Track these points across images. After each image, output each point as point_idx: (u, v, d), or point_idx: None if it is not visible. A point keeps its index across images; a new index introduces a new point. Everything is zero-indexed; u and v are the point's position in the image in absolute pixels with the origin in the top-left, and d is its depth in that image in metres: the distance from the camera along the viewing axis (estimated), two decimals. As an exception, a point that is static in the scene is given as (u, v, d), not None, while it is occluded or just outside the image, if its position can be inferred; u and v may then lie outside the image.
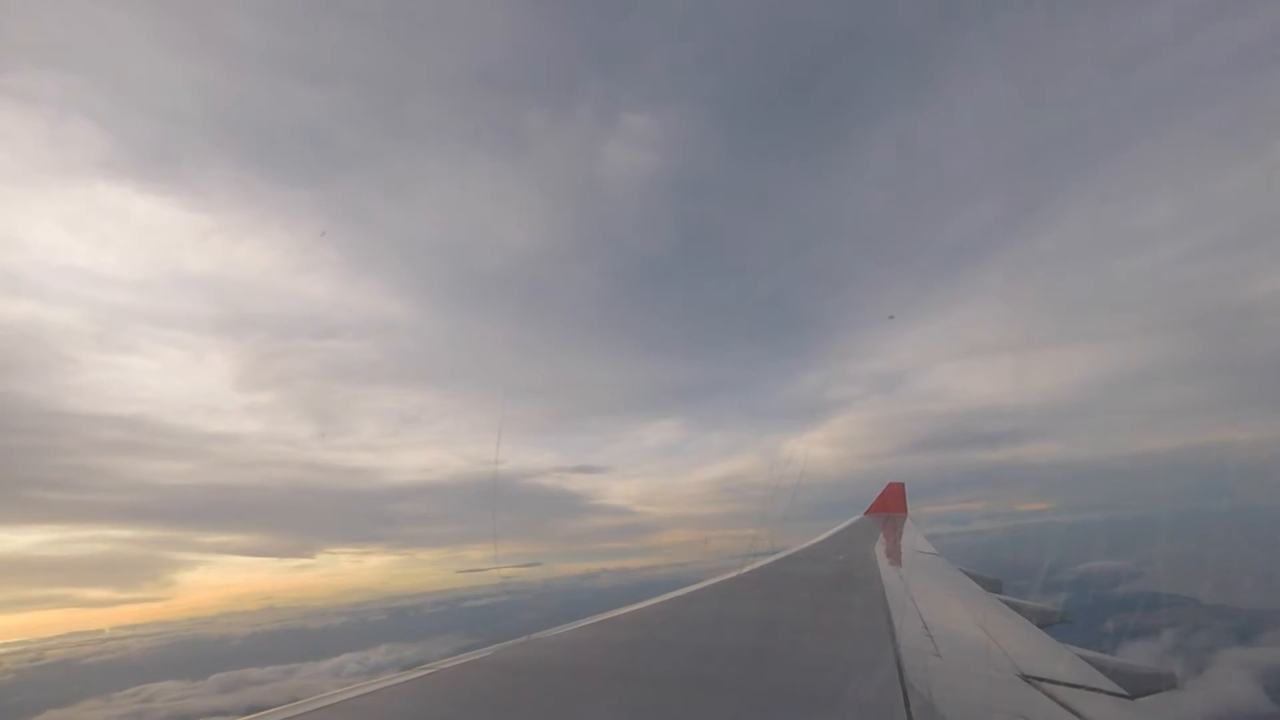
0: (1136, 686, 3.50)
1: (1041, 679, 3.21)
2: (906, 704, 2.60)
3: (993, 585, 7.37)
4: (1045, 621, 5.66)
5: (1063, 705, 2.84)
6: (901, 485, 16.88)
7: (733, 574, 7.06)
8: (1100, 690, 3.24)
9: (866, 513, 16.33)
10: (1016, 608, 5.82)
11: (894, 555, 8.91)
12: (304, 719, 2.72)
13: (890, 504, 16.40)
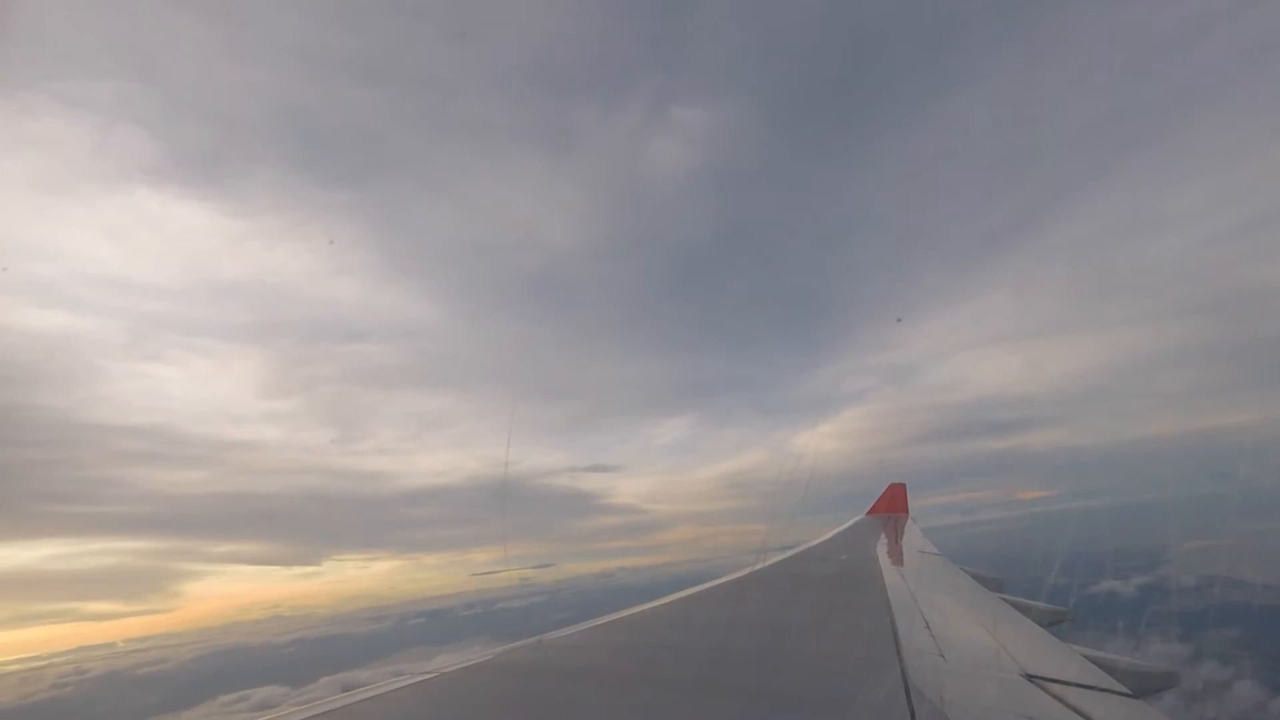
0: (1141, 685, 3.49)
1: (1046, 679, 3.20)
2: (910, 706, 2.60)
3: (995, 584, 7.35)
4: (1050, 620, 5.65)
5: (1067, 705, 2.83)
6: (903, 486, 16.84)
7: (735, 576, 7.06)
8: (1105, 690, 3.23)
9: (868, 513, 16.30)
10: (1020, 607, 5.81)
11: (896, 556, 8.89)
12: None
13: (892, 505, 16.37)
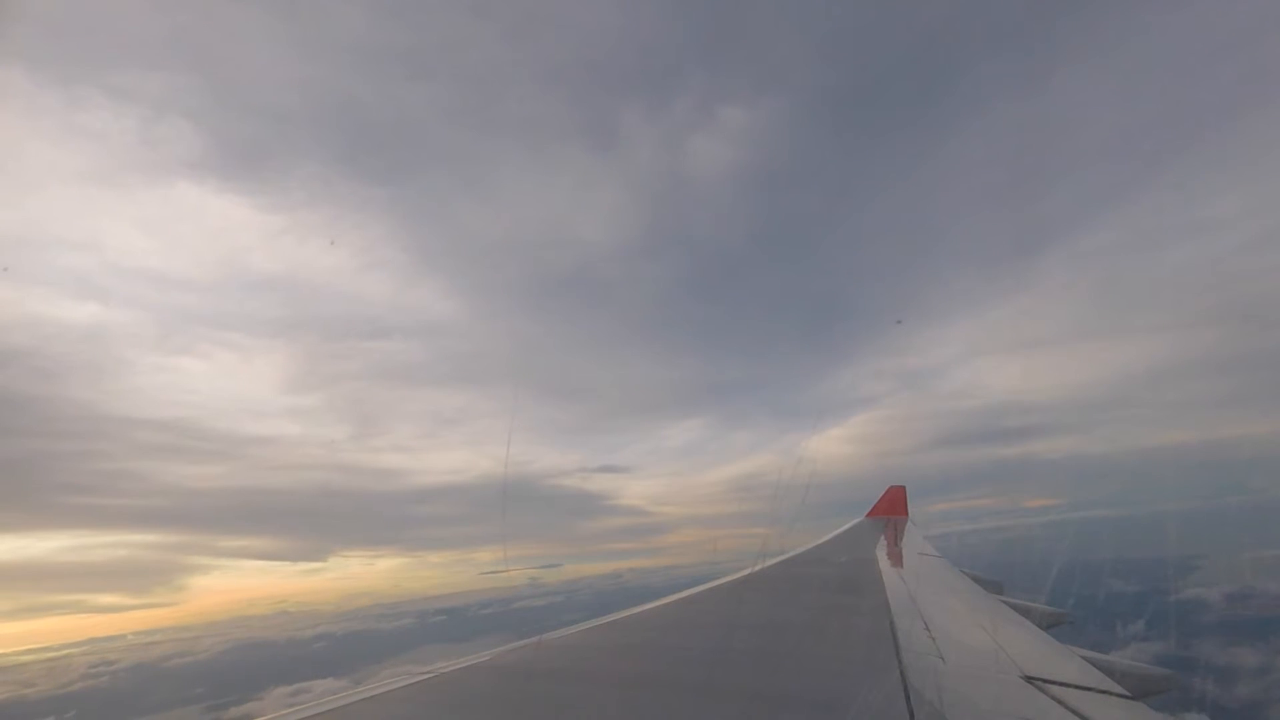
0: (1140, 687, 3.49)
1: (1045, 681, 3.20)
2: (910, 708, 2.60)
3: (995, 587, 7.34)
4: (1049, 623, 5.64)
5: (1066, 707, 2.83)
6: (903, 488, 16.84)
7: (734, 577, 7.05)
8: (1104, 691, 3.23)
9: (867, 515, 16.30)
10: (1020, 609, 5.81)
11: (896, 558, 8.89)
12: None
13: (891, 507, 16.36)
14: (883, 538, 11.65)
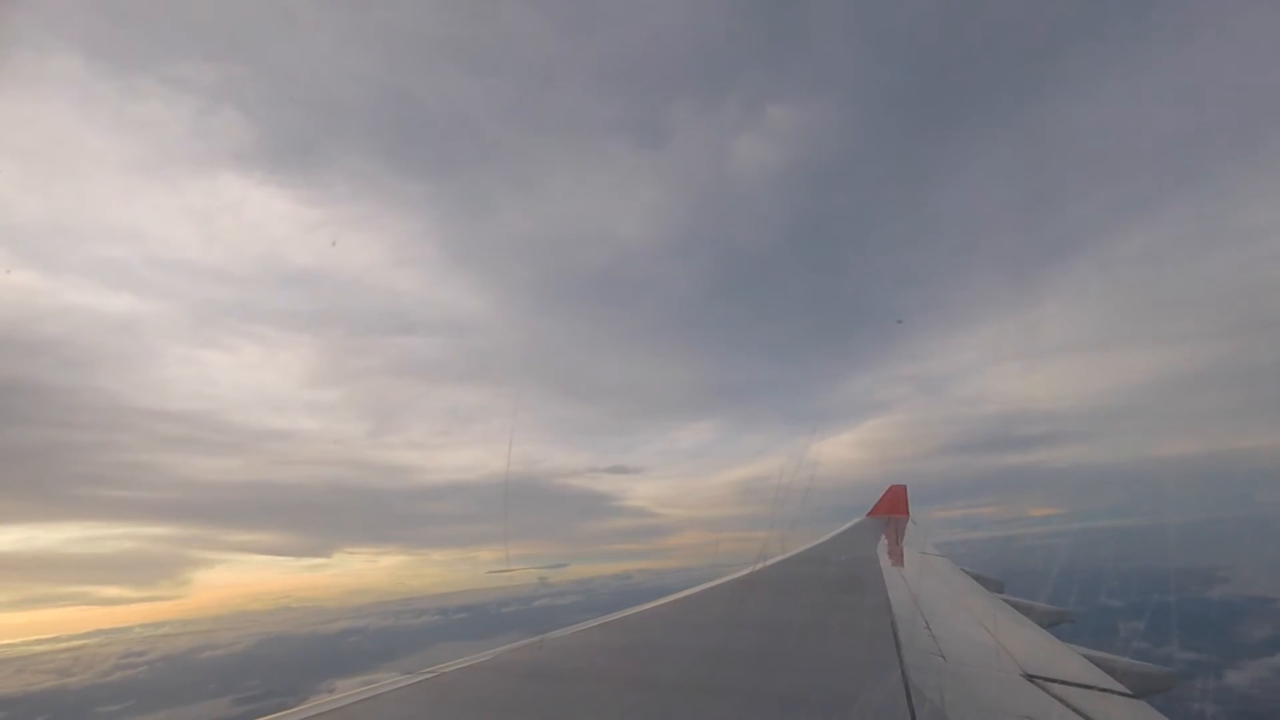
0: (1141, 686, 3.49)
1: (1046, 679, 3.20)
2: (911, 707, 2.60)
3: (995, 586, 7.35)
4: (1050, 621, 5.65)
5: (1067, 705, 2.83)
6: (904, 488, 16.83)
7: (735, 576, 7.06)
8: (1105, 690, 3.23)
9: (868, 515, 16.28)
10: (1021, 608, 5.81)
11: (896, 557, 8.89)
12: None
13: (892, 506, 16.35)
14: (884, 537, 11.65)
